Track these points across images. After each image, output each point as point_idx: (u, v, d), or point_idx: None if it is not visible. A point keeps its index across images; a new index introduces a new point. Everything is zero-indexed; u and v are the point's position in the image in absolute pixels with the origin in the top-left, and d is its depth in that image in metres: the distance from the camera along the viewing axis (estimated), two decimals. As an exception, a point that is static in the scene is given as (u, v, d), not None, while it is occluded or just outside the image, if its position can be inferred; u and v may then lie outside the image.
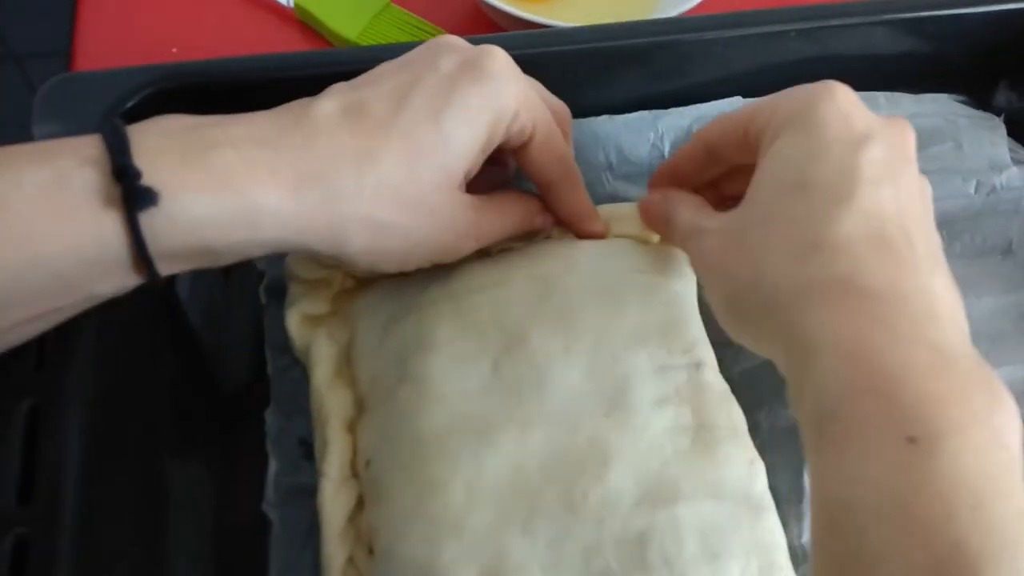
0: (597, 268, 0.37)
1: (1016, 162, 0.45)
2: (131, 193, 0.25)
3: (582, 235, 0.38)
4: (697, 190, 0.36)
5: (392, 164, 0.29)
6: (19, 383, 0.30)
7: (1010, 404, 0.25)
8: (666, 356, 0.34)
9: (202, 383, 0.38)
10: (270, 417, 0.35)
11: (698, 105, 0.44)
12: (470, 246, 0.33)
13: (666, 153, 0.44)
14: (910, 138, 0.31)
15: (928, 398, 0.24)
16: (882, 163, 0.29)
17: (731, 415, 0.34)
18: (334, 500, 0.32)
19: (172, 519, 0.34)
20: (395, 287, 0.37)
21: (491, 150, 0.32)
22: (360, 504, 0.33)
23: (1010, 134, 0.46)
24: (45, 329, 0.28)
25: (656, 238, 0.39)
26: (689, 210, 0.34)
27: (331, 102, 0.30)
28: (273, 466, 0.34)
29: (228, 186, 0.27)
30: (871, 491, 0.23)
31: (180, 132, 0.28)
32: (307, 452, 0.35)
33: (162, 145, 0.27)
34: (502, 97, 0.31)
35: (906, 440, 0.23)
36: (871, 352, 0.25)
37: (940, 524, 0.22)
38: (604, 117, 0.44)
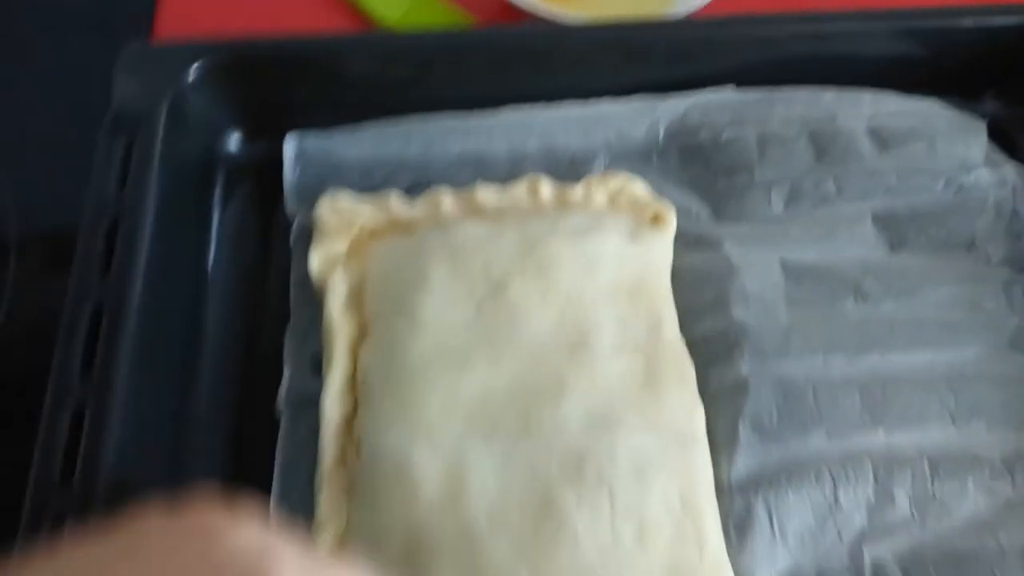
0: (579, 233, 0.42)
1: (989, 163, 0.47)
2: None
3: None
4: None
5: None
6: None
7: None
8: (631, 313, 0.39)
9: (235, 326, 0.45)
10: (288, 336, 0.42)
11: (694, 91, 0.49)
12: None
13: (660, 137, 0.48)
14: None
15: None
16: None
17: (682, 368, 0.39)
18: (334, 404, 0.38)
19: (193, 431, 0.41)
20: (403, 240, 0.43)
21: None
22: (356, 411, 0.39)
23: (995, 140, 0.49)
24: None
25: (646, 204, 0.44)
26: None
27: None
28: (286, 376, 0.40)
29: None
30: None
31: None
32: (317, 368, 0.41)
33: None
34: None
35: None
36: None
37: None
38: (606, 99, 0.48)
